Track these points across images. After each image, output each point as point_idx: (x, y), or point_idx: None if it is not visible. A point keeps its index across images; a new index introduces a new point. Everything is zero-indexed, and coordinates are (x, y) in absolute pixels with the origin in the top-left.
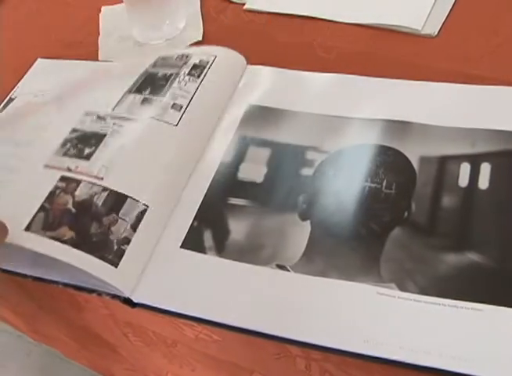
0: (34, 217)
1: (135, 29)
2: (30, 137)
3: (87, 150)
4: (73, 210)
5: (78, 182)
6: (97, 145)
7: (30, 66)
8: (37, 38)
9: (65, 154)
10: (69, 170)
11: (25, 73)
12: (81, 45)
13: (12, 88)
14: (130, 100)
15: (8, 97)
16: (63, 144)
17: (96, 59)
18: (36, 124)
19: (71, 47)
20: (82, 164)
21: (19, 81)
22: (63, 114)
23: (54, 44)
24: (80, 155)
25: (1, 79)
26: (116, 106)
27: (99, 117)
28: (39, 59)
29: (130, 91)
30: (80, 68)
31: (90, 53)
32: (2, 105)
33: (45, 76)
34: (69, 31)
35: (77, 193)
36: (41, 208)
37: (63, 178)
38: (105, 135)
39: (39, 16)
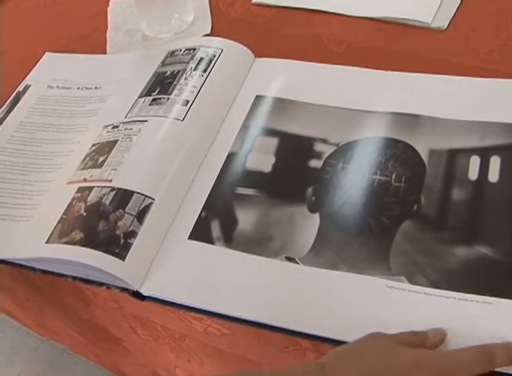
0: (54, 230)
1: (143, 23)
2: (58, 161)
3: (101, 159)
4: (84, 214)
5: (91, 189)
6: (109, 152)
7: (38, 60)
8: (45, 32)
9: (84, 168)
10: (85, 180)
11: (33, 67)
12: (89, 38)
13: (20, 82)
14: (140, 104)
15: (16, 90)
16: (83, 160)
17: (104, 53)
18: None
19: (79, 41)
20: (95, 173)
21: (27, 74)
22: (87, 134)
23: (62, 38)
24: (95, 165)
25: (1, 73)
26: (128, 112)
27: (114, 127)
28: (47, 53)
29: (141, 95)
30: (88, 62)
31: (98, 47)
32: (11, 98)
33: (54, 69)
34: (77, 25)
35: (88, 198)
36: (60, 221)
37: (79, 189)
38: (117, 142)
39: (47, 9)
